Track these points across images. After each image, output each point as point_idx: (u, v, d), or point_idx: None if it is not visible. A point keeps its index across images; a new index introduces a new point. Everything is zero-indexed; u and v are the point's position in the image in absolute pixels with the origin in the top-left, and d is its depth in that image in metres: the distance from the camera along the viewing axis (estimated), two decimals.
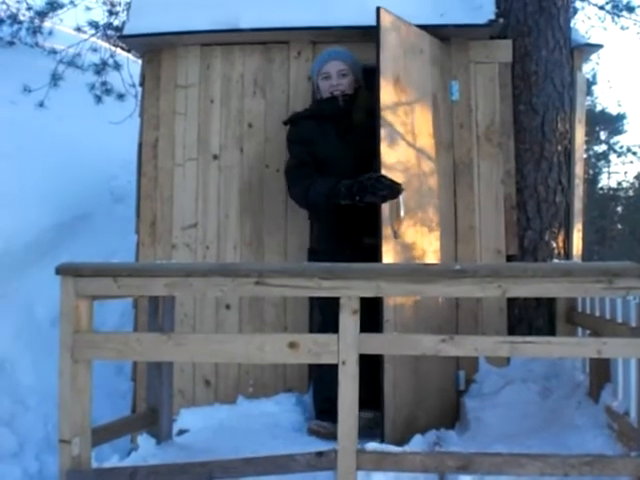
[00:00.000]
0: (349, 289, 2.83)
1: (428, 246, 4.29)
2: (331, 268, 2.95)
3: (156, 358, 3.02)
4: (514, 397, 4.13)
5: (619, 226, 29.18)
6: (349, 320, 2.82)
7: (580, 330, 4.24)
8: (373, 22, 4.31)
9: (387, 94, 4.07)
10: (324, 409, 3.98)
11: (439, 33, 4.59)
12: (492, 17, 4.64)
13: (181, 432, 3.99)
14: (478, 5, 4.72)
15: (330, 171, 4.07)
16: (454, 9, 4.68)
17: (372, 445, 3.02)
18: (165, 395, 3.70)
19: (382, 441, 3.94)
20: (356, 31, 4.51)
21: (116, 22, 9.77)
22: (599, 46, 5.33)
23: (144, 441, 3.65)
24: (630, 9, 11.46)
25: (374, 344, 2.91)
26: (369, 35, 4.32)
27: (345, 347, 2.81)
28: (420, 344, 2.90)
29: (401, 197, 3.93)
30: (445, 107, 4.59)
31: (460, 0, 4.86)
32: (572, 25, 5.07)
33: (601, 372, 3.64)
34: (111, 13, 9.87)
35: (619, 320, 3.41)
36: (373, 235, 3.89)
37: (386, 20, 4.18)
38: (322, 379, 4.05)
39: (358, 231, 4.08)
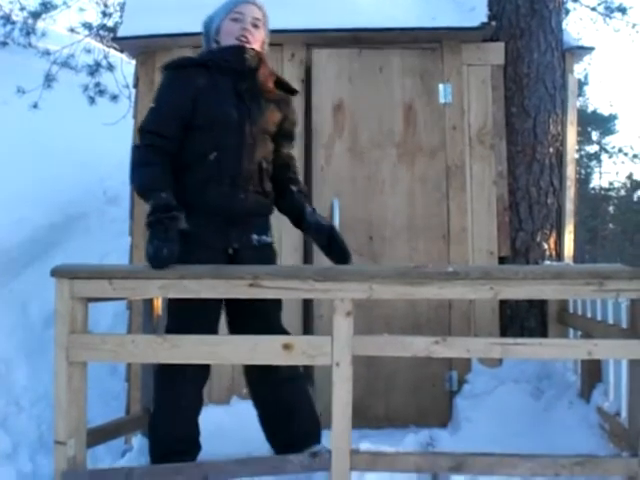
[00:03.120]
0: (342, 291, 2.86)
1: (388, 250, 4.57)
2: (325, 271, 2.98)
3: (151, 360, 3.03)
4: (506, 397, 4.16)
5: (611, 226, 29.31)
6: (343, 322, 2.84)
7: (572, 331, 4.27)
8: (365, 25, 4.44)
9: (325, 122, 4.57)
10: (165, 453, 3.12)
11: (431, 36, 4.64)
12: (484, 20, 4.70)
13: None
14: (470, 8, 4.78)
15: (221, 137, 3.12)
16: (446, 12, 4.74)
17: (366, 445, 3.05)
18: None
19: None
20: (349, 34, 4.56)
21: (109, 23, 9.80)
22: (591, 49, 5.36)
23: (138, 442, 3.66)
24: (622, 10, 11.55)
25: (367, 345, 2.93)
26: (360, 38, 4.47)
27: (339, 349, 2.83)
28: (412, 345, 2.92)
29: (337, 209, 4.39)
30: (429, 112, 4.66)
31: (452, 3, 4.91)
32: (564, 27, 5.11)
33: (592, 373, 3.68)
34: (105, 14, 9.90)
35: (610, 321, 3.45)
36: (265, 233, 3.29)
37: (321, 59, 4.62)
38: (159, 418, 3.19)
39: (248, 224, 3.22)
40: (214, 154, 3.10)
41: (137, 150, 3.21)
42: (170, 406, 3.15)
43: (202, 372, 3.17)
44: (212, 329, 3.14)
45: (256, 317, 3.18)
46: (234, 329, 3.26)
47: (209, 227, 3.12)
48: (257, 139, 3.18)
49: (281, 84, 3.37)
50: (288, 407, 3.21)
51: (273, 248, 3.36)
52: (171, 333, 3.10)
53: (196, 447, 3.21)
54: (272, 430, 3.27)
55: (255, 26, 3.25)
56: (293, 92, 3.44)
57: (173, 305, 3.17)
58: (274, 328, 3.18)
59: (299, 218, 3.37)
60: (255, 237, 3.22)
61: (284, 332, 3.20)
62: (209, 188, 3.11)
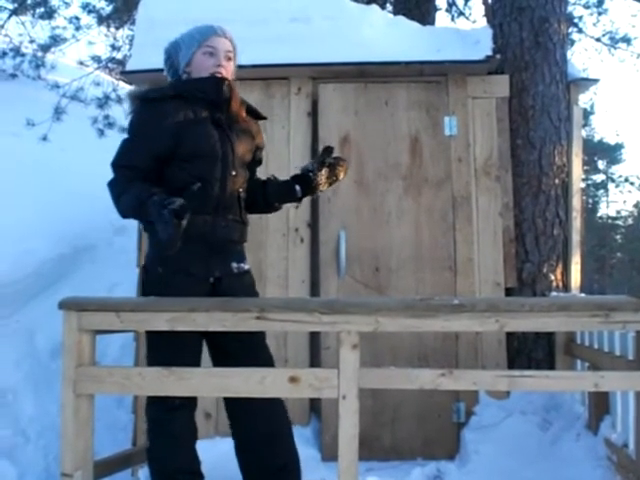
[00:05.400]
0: (349, 324, 2.86)
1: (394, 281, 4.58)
2: (331, 303, 2.99)
3: (158, 393, 3.02)
4: (514, 429, 4.15)
5: (619, 254, 29.26)
6: (349, 355, 2.84)
7: (579, 362, 4.26)
8: (371, 58, 4.50)
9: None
10: None
11: (436, 69, 4.69)
12: (489, 53, 4.75)
13: None
14: (475, 41, 4.82)
15: (207, 168, 3.12)
16: (451, 45, 4.79)
17: (373, 479, 3.04)
18: None
19: (321, 452, 4.23)
20: (355, 67, 4.62)
21: (119, 56, 9.91)
22: (595, 80, 5.41)
23: (145, 474, 3.65)
24: (627, 41, 11.61)
25: (374, 378, 2.93)
26: (366, 72, 4.54)
27: (345, 381, 2.83)
28: (419, 378, 2.91)
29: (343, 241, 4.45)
30: (435, 144, 4.69)
31: (458, 36, 4.97)
32: (569, 57, 5.16)
33: (600, 404, 3.67)
34: (114, 47, 10.01)
35: (617, 353, 3.44)
36: (242, 261, 3.26)
37: (326, 93, 4.68)
38: (155, 450, 3.15)
39: (228, 253, 3.21)
40: (198, 185, 3.04)
41: (111, 186, 3.15)
42: (164, 436, 3.10)
43: (191, 398, 3.12)
44: (195, 361, 3.13)
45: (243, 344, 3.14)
46: (221, 357, 3.21)
47: (191, 255, 3.07)
48: (238, 169, 3.21)
49: (251, 111, 3.39)
50: (264, 438, 3.13)
51: (251, 274, 3.34)
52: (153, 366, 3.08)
53: (199, 477, 3.18)
54: (246, 461, 3.19)
55: (229, 59, 3.26)
56: (263, 118, 3.48)
57: (154, 339, 3.13)
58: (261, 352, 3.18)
59: (280, 185, 3.36)
60: (235, 265, 3.21)
61: (270, 356, 3.20)
62: (192, 216, 2.98)
